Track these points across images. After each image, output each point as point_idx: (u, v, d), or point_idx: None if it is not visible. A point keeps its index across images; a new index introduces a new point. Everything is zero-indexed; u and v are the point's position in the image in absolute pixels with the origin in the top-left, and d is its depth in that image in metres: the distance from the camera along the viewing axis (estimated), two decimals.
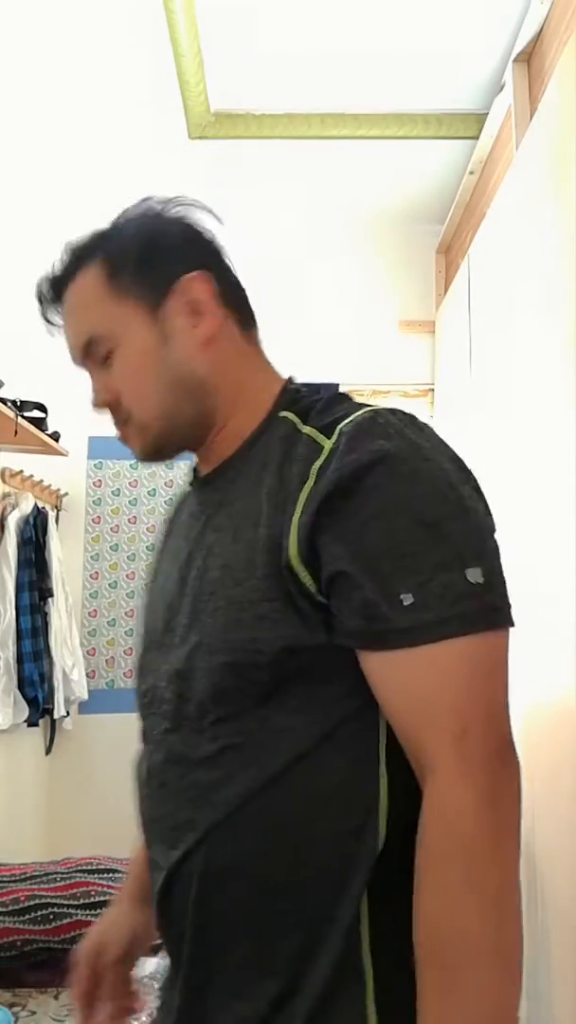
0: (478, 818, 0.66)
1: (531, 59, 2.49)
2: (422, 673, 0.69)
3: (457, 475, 0.76)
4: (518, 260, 2.39)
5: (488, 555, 0.73)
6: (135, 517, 3.71)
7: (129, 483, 3.72)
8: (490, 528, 0.77)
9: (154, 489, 3.72)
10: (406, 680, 0.70)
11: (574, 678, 1.91)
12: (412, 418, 0.80)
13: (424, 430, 0.79)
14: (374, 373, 3.78)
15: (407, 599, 0.69)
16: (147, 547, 3.69)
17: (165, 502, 3.71)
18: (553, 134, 2.07)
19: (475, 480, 0.80)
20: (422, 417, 0.83)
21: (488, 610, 0.71)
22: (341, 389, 3.71)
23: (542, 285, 2.16)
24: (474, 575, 0.71)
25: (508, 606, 0.73)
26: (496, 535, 0.78)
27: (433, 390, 3.75)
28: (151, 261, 0.87)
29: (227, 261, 0.96)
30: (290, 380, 0.98)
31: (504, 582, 0.74)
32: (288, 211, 3.66)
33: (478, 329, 2.93)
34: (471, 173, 3.13)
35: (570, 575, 1.96)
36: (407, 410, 0.81)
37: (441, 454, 0.77)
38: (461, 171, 3.24)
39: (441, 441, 0.80)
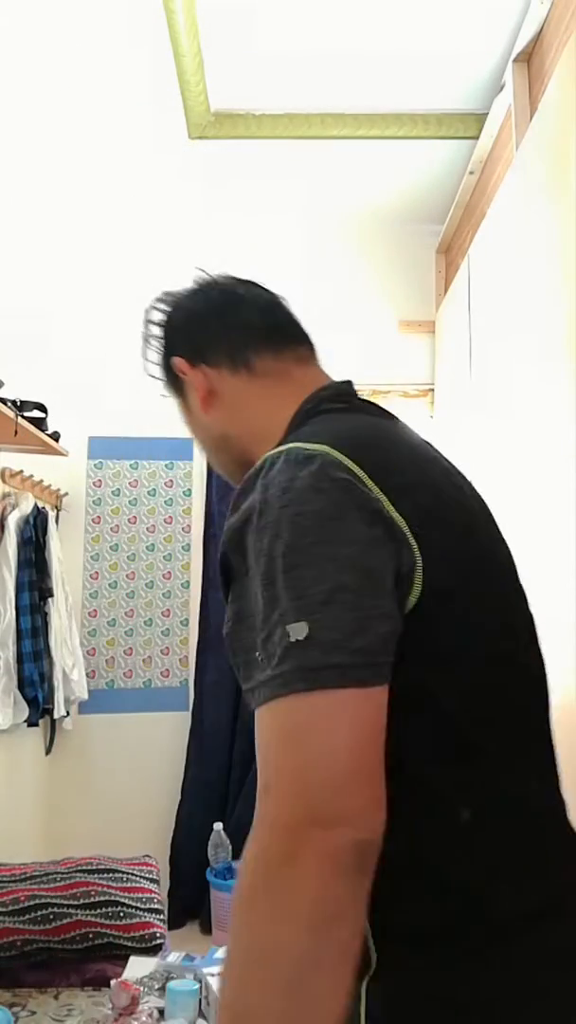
0: (249, 871, 0.63)
1: (531, 59, 2.49)
2: (257, 732, 0.68)
3: (309, 504, 0.70)
4: (518, 260, 2.39)
5: (315, 606, 0.66)
6: (135, 517, 3.71)
7: (129, 483, 3.72)
8: (339, 566, 0.68)
9: (154, 489, 3.72)
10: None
11: (574, 677, 1.91)
12: (308, 455, 0.74)
13: (307, 462, 0.73)
14: (374, 373, 3.78)
15: (259, 658, 0.68)
16: (147, 547, 3.69)
17: (165, 502, 3.72)
18: (553, 134, 2.07)
19: (334, 491, 0.71)
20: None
21: (299, 672, 0.64)
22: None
23: (542, 285, 2.16)
24: (294, 631, 0.65)
25: (333, 666, 0.64)
26: (354, 562, 0.69)
27: (433, 390, 3.75)
28: (164, 358, 1.05)
29: (214, 320, 1.03)
30: (316, 391, 0.95)
31: (333, 635, 0.65)
32: (288, 211, 3.66)
33: (478, 329, 2.93)
34: (471, 173, 3.13)
35: (569, 574, 1.96)
36: (317, 446, 0.75)
37: (298, 480, 0.72)
38: (461, 171, 3.24)
39: (300, 464, 0.73)
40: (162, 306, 1.07)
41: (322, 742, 0.64)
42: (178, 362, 1.01)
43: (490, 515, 0.92)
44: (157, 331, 1.06)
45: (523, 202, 2.34)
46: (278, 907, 0.61)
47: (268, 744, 0.66)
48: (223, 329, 1.01)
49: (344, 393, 0.97)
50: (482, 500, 0.93)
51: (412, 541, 0.71)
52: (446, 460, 0.92)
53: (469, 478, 0.94)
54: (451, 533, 0.78)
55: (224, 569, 0.78)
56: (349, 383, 1.00)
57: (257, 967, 0.62)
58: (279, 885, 0.61)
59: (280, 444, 0.80)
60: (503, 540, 0.91)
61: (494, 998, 0.68)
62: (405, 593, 0.71)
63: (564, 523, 1.98)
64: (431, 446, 0.92)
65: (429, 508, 0.76)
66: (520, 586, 0.89)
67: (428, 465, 0.86)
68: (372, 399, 1.01)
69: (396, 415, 0.97)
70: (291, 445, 0.76)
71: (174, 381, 1.04)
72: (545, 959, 0.70)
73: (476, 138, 2.93)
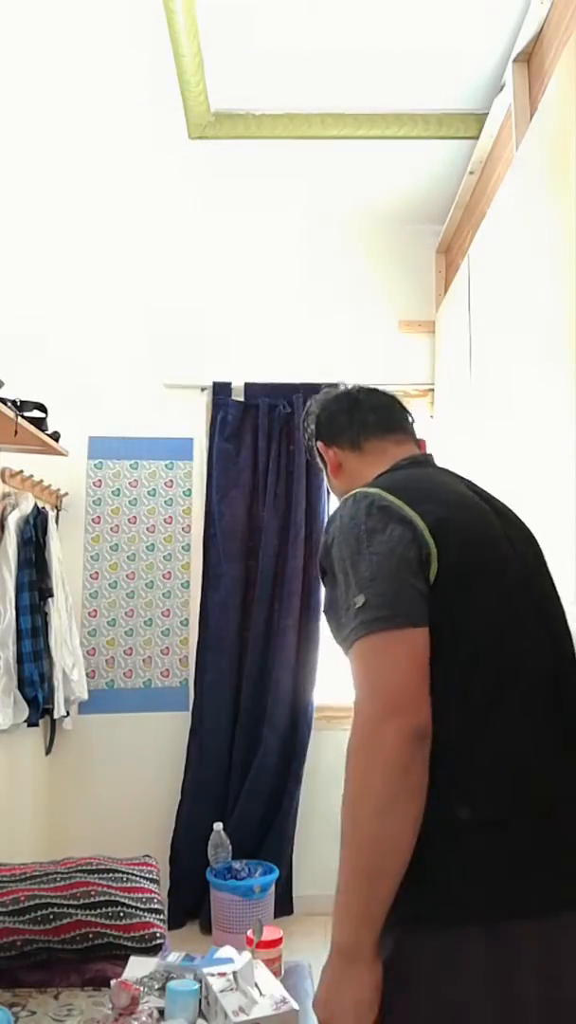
0: (352, 751, 1.01)
1: (531, 59, 2.49)
2: (351, 665, 1.08)
3: (360, 526, 1.12)
4: (518, 260, 2.39)
5: (367, 583, 1.07)
6: (135, 517, 3.71)
7: (129, 483, 3.72)
8: (383, 557, 1.08)
9: (154, 489, 3.72)
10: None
11: None
12: (363, 495, 1.17)
13: (362, 499, 1.16)
14: (374, 373, 3.77)
15: (343, 621, 1.10)
16: (147, 547, 3.69)
17: (165, 502, 3.72)
18: (553, 134, 2.07)
19: (379, 513, 1.12)
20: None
21: (363, 623, 1.05)
22: (341, 389, 3.66)
23: (542, 285, 2.16)
24: (358, 600, 1.07)
25: (382, 617, 1.04)
26: (392, 553, 1.08)
27: (433, 390, 3.75)
28: (313, 441, 1.52)
29: (355, 409, 1.46)
30: (398, 460, 1.37)
31: (381, 598, 1.05)
32: (288, 211, 3.66)
33: (478, 329, 2.93)
34: (471, 173, 3.13)
35: (570, 573, 1.96)
36: (368, 489, 1.18)
37: (358, 510, 1.15)
38: (461, 171, 3.24)
39: (358, 501, 1.16)
40: (315, 406, 1.53)
41: (380, 664, 1.04)
42: (320, 445, 1.49)
43: (514, 526, 1.27)
44: (311, 422, 1.52)
45: (523, 202, 2.34)
46: (370, 764, 0.99)
47: (355, 670, 1.06)
48: (348, 425, 1.45)
49: (415, 459, 1.38)
50: (507, 515, 1.28)
51: (429, 538, 1.09)
52: (474, 493, 1.27)
53: (501, 505, 1.30)
54: (462, 535, 1.12)
55: (321, 569, 1.20)
56: (424, 455, 1.42)
57: (359, 802, 0.99)
58: (368, 754, 0.99)
59: None
60: (526, 541, 1.27)
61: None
62: (427, 572, 1.08)
63: (564, 522, 1.98)
64: (462, 483, 1.30)
65: (446, 519, 1.12)
66: (537, 576, 1.23)
67: (449, 495, 1.21)
68: None
69: (446, 468, 1.38)
70: (357, 490, 1.20)
71: (319, 455, 1.51)
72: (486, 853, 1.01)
73: (476, 138, 2.93)
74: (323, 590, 1.20)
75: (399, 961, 0.98)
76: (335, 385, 1.59)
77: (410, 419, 1.49)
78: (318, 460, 1.53)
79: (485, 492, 1.30)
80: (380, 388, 1.53)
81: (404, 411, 1.49)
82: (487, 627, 1.09)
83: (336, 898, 1.00)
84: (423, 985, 0.98)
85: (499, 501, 1.31)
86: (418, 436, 1.48)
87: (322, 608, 1.20)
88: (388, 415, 1.46)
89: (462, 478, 1.32)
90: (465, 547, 1.11)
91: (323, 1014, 1.00)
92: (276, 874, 3.14)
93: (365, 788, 0.99)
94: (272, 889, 3.12)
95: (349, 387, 1.54)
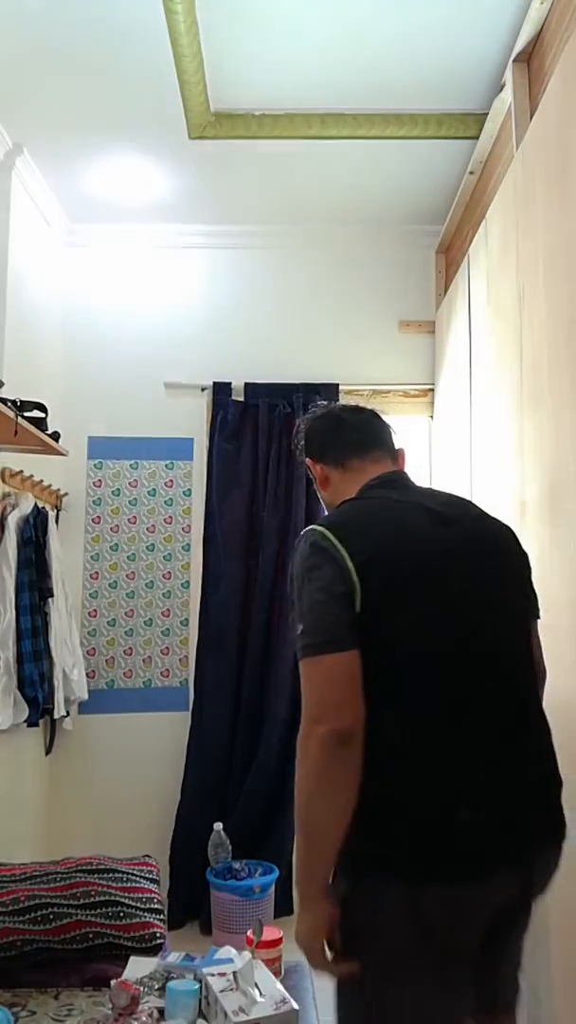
0: (299, 752, 1.29)
1: (531, 59, 2.49)
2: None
3: (304, 564, 1.37)
4: (518, 260, 2.39)
5: (305, 613, 1.33)
6: (135, 517, 3.71)
7: (129, 483, 3.72)
8: (315, 592, 1.33)
9: (154, 489, 3.72)
10: None
11: (574, 678, 1.91)
12: (318, 532, 1.39)
13: (317, 535, 1.38)
14: (374, 373, 3.78)
15: (296, 641, 1.35)
16: (147, 547, 3.69)
17: (165, 502, 3.72)
18: (553, 134, 2.07)
19: (317, 553, 1.36)
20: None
21: (300, 648, 1.32)
22: (341, 389, 3.70)
23: (542, 285, 2.16)
24: (299, 628, 1.34)
25: (312, 644, 1.30)
26: (323, 589, 1.32)
27: (433, 390, 3.75)
28: (304, 456, 1.71)
29: (337, 429, 1.64)
30: (370, 480, 1.56)
31: (312, 627, 1.31)
32: (288, 211, 3.66)
33: (478, 329, 2.93)
34: (471, 173, 3.13)
35: (570, 571, 1.96)
36: (316, 527, 1.41)
37: (305, 549, 1.38)
38: (461, 171, 3.24)
39: (306, 538, 1.40)
40: (304, 425, 1.71)
41: (307, 683, 1.31)
42: (309, 461, 1.67)
43: (468, 540, 1.45)
44: (301, 439, 1.70)
45: (523, 202, 2.34)
46: (300, 765, 1.28)
47: (302, 684, 1.32)
48: (332, 442, 1.63)
49: (384, 479, 1.56)
50: (460, 529, 1.45)
51: (355, 577, 1.31)
52: (427, 511, 1.45)
53: (460, 516, 1.49)
54: (387, 570, 1.34)
55: (292, 593, 1.42)
56: (393, 473, 1.60)
57: (301, 786, 1.28)
58: (300, 757, 1.28)
59: None
60: (479, 553, 1.45)
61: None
62: (352, 603, 1.31)
63: (564, 522, 1.98)
64: (416, 503, 1.48)
65: (374, 556, 1.34)
66: (485, 585, 1.41)
67: (391, 526, 1.42)
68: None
69: (407, 485, 1.59)
70: (309, 527, 1.42)
71: (309, 470, 1.69)
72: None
73: (476, 138, 2.93)
74: None
75: (351, 896, 1.32)
76: (324, 403, 1.84)
77: (390, 432, 1.67)
78: (308, 473, 1.70)
79: (442, 508, 1.47)
80: (362, 405, 1.75)
81: (384, 426, 1.67)
82: (410, 642, 1.32)
83: (296, 864, 1.36)
84: (363, 910, 1.30)
85: (461, 512, 1.50)
86: (397, 447, 1.67)
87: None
88: (369, 433, 1.64)
89: (422, 492, 1.56)
90: (388, 581, 1.33)
91: (300, 942, 1.33)
92: (276, 874, 3.14)
93: (298, 784, 1.28)
94: (272, 889, 3.12)
95: (334, 406, 1.76)
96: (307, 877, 1.31)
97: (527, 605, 1.51)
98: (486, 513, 1.54)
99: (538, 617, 1.56)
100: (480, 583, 1.40)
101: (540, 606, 1.59)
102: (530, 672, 1.46)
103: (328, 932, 1.31)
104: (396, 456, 1.65)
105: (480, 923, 1.29)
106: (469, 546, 1.42)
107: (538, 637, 1.55)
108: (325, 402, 1.87)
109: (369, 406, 1.73)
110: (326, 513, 1.61)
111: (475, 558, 1.41)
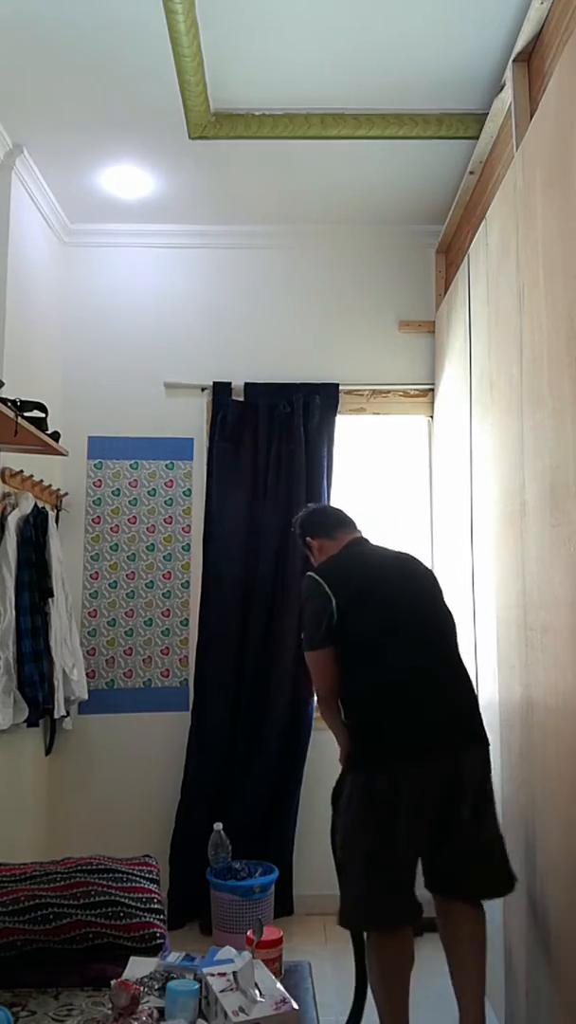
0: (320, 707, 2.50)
1: (531, 59, 2.49)
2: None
3: (307, 592, 2.42)
4: (518, 260, 2.39)
5: (306, 625, 2.43)
6: (135, 517, 3.71)
7: (129, 483, 3.72)
8: (313, 610, 2.38)
9: (154, 489, 3.72)
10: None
11: (574, 678, 1.91)
12: (313, 577, 2.42)
13: (312, 579, 2.41)
14: (374, 373, 3.78)
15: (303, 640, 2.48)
16: (147, 547, 3.70)
17: (165, 502, 3.72)
18: (553, 134, 2.07)
19: (314, 589, 2.38)
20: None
21: (304, 645, 2.44)
22: (341, 389, 3.71)
23: (542, 285, 2.16)
24: (303, 633, 2.46)
25: (312, 641, 2.38)
26: (316, 609, 2.36)
27: (433, 390, 3.75)
28: (303, 536, 2.72)
29: (324, 517, 2.71)
30: (344, 546, 2.58)
31: (311, 632, 2.38)
32: (288, 211, 3.66)
33: (478, 329, 2.93)
34: (471, 173, 3.13)
35: (571, 571, 1.96)
36: (318, 572, 2.46)
37: (307, 587, 2.43)
38: (461, 171, 3.24)
39: (308, 580, 2.43)
40: (304, 516, 2.74)
41: (312, 669, 2.43)
42: (308, 538, 2.67)
43: (406, 579, 2.46)
44: (299, 526, 2.72)
45: (523, 202, 2.34)
46: (318, 708, 2.72)
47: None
48: (322, 525, 2.66)
49: (354, 542, 2.58)
50: (407, 572, 2.49)
51: (333, 605, 2.33)
52: (379, 558, 2.53)
53: (397, 559, 2.54)
54: (351, 595, 2.34)
55: (300, 612, 2.68)
56: (358, 539, 2.60)
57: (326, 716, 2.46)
58: (320, 708, 2.50)
59: None
60: (403, 589, 2.43)
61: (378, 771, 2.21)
62: (332, 618, 2.32)
63: (564, 521, 1.98)
64: (372, 555, 2.55)
65: (346, 591, 2.35)
66: (417, 607, 2.40)
67: (359, 569, 2.46)
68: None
69: (368, 543, 2.61)
70: (310, 573, 2.45)
71: (308, 547, 2.68)
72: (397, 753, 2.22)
73: (476, 138, 2.94)
74: None
75: (349, 781, 2.26)
76: (312, 504, 2.97)
77: (351, 517, 2.68)
78: (304, 547, 2.72)
79: (383, 557, 2.52)
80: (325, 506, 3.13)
81: (347, 515, 2.69)
82: (362, 635, 2.30)
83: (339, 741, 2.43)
84: (359, 789, 2.21)
85: (398, 556, 2.53)
86: (357, 525, 2.66)
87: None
88: (342, 518, 2.66)
89: (374, 548, 2.57)
90: (349, 601, 2.32)
91: (343, 756, 2.39)
92: (276, 874, 3.14)
93: (323, 712, 2.46)
94: (272, 889, 3.12)
95: (319, 505, 3.00)
96: (337, 737, 2.42)
97: (437, 595, 2.47)
98: (408, 555, 2.54)
99: (442, 597, 2.49)
100: (404, 596, 2.39)
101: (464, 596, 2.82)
102: (446, 637, 2.38)
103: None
104: (357, 528, 2.65)
105: (424, 794, 2.16)
106: (396, 575, 2.45)
107: (450, 611, 2.47)
108: (312, 504, 2.95)
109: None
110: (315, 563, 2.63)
111: (400, 582, 2.43)
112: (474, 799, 2.20)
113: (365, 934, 2.26)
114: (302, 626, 2.45)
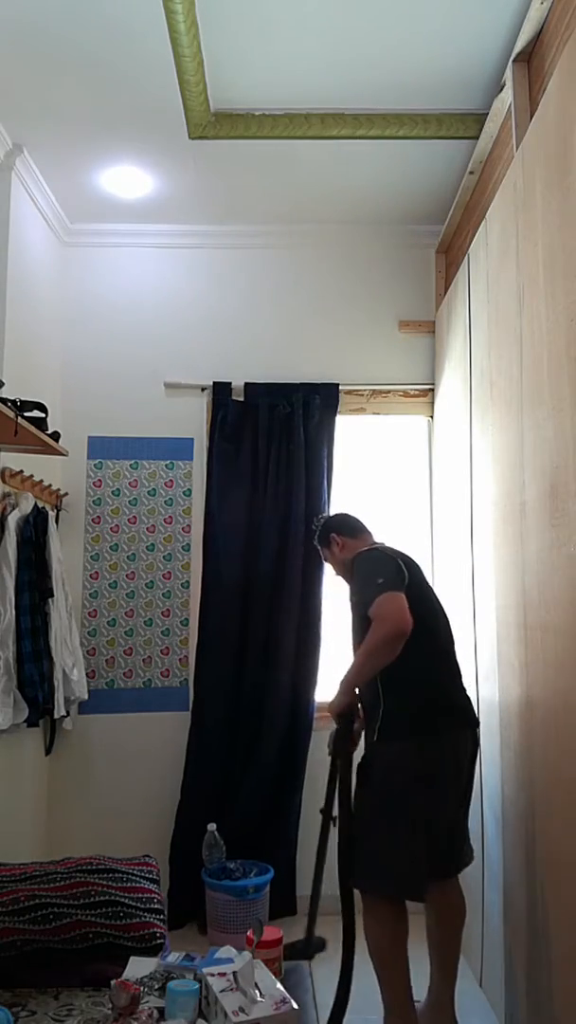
0: (373, 631, 2.33)
1: (531, 59, 2.50)
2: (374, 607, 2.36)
3: (378, 560, 2.52)
4: (518, 260, 2.39)
5: (386, 573, 2.41)
6: (135, 517, 3.71)
7: (129, 483, 3.72)
8: (390, 567, 2.45)
9: (154, 489, 3.72)
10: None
11: (574, 678, 1.91)
12: (380, 550, 2.61)
13: (381, 552, 2.59)
14: (374, 373, 3.78)
15: (378, 584, 2.40)
16: (147, 547, 3.70)
17: (165, 502, 3.72)
18: (553, 134, 2.07)
19: (390, 560, 2.50)
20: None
21: (383, 586, 2.36)
22: (341, 389, 3.72)
23: (542, 285, 2.16)
24: (379, 580, 2.39)
25: (396, 584, 2.38)
26: (396, 568, 2.45)
27: (433, 390, 3.75)
28: (328, 535, 2.81)
29: (350, 520, 2.85)
30: (367, 546, 2.69)
31: (391, 578, 2.39)
32: (288, 210, 3.66)
33: (478, 329, 2.93)
34: (471, 173, 3.13)
35: (571, 571, 1.96)
36: (387, 544, 2.72)
37: (375, 558, 2.54)
38: (461, 171, 3.24)
39: (380, 551, 2.60)
40: (327, 519, 2.91)
41: (389, 609, 2.32)
42: (334, 535, 2.77)
43: (423, 574, 2.63)
44: (327, 523, 2.85)
45: (523, 202, 2.34)
46: (378, 631, 2.32)
47: (377, 609, 2.32)
48: (349, 527, 2.80)
49: (376, 544, 2.71)
50: (424, 574, 2.65)
51: (405, 572, 2.46)
52: (412, 559, 2.62)
53: (420, 567, 2.65)
54: (414, 574, 2.51)
55: (353, 575, 2.59)
56: (378, 542, 2.74)
57: (369, 650, 2.34)
58: (380, 633, 2.31)
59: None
60: (430, 584, 2.69)
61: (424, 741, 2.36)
62: (405, 579, 2.44)
63: (564, 522, 1.98)
64: (403, 551, 2.66)
65: (410, 566, 2.53)
66: (441, 606, 2.64)
67: (410, 558, 2.59)
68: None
69: (390, 548, 2.71)
70: (372, 547, 2.66)
71: (329, 544, 2.78)
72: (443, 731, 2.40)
73: (476, 138, 2.94)
74: (326, 589, 3.29)
75: (396, 749, 2.37)
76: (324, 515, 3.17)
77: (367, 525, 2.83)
78: (325, 550, 2.82)
79: (407, 557, 2.62)
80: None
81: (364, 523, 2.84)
82: (420, 610, 2.39)
83: (346, 676, 2.44)
84: (410, 754, 2.34)
85: (413, 559, 2.64)
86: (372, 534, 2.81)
87: (353, 590, 2.58)
88: (364, 525, 2.81)
89: (397, 550, 2.67)
90: (413, 579, 2.46)
91: (333, 709, 2.47)
92: (271, 874, 3.13)
93: (371, 648, 2.32)
94: (267, 889, 3.12)
95: (346, 513, 2.92)
96: (353, 684, 2.43)
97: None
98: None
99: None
100: (433, 590, 2.66)
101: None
102: (452, 634, 2.61)
103: (350, 708, 2.48)
104: (372, 537, 2.80)
105: (458, 763, 2.38)
106: (423, 574, 2.62)
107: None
108: (324, 515, 3.04)
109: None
110: (334, 570, 2.85)
111: (427, 580, 2.64)
112: (472, 775, 2.47)
113: (370, 905, 2.30)
114: (367, 583, 2.39)
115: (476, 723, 2.50)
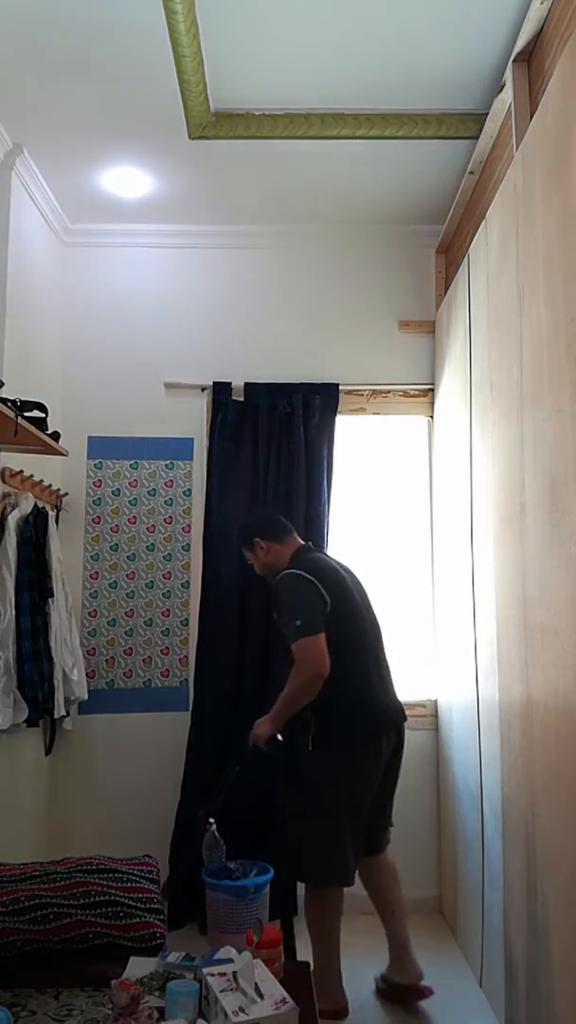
0: (294, 677, 2.65)
1: (531, 59, 2.49)
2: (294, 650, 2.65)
3: (296, 586, 2.72)
4: (518, 260, 2.39)
5: (303, 613, 2.65)
6: (135, 517, 3.71)
7: (129, 483, 3.73)
8: (308, 600, 2.68)
9: (154, 489, 3.72)
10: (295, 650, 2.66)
11: (574, 678, 1.91)
12: (300, 574, 2.75)
13: (300, 575, 2.74)
14: (374, 373, 3.78)
15: (294, 624, 2.66)
16: (147, 547, 3.69)
17: (165, 502, 3.72)
18: (552, 134, 2.07)
19: (310, 584, 2.70)
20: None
21: (298, 630, 2.62)
22: (341, 389, 3.71)
23: (542, 285, 2.16)
24: (297, 621, 2.65)
25: (314, 626, 2.63)
26: (316, 598, 2.68)
27: (433, 390, 3.75)
28: (251, 539, 3.00)
29: (273, 522, 3.02)
30: (297, 549, 2.93)
31: (309, 618, 2.64)
32: (288, 211, 3.66)
33: (478, 329, 2.93)
34: (471, 173, 3.13)
35: (571, 571, 1.96)
36: (311, 565, 2.82)
37: (293, 583, 2.73)
38: (461, 171, 3.24)
39: (299, 575, 2.75)
40: (248, 524, 3.03)
41: (310, 653, 2.61)
42: (257, 540, 2.94)
43: (356, 584, 2.91)
44: (248, 528, 3.00)
45: (523, 202, 2.34)
46: (298, 678, 2.64)
47: (297, 652, 2.62)
48: (273, 530, 2.95)
49: (303, 547, 2.94)
50: (354, 578, 2.93)
51: (326, 598, 2.69)
52: (340, 567, 2.90)
53: (352, 572, 2.94)
54: (335, 595, 2.71)
55: (277, 592, 2.77)
56: (303, 547, 2.95)
57: (293, 691, 2.65)
58: (300, 679, 2.63)
59: (287, 569, 2.81)
60: (358, 593, 2.89)
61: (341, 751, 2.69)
62: (326, 607, 2.68)
63: (564, 522, 1.98)
64: (336, 562, 2.94)
65: (331, 587, 2.73)
66: (367, 608, 2.90)
67: (333, 573, 2.80)
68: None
69: (317, 550, 3.03)
70: (288, 571, 2.79)
71: (253, 547, 2.96)
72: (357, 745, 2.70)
73: (476, 138, 2.94)
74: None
75: (328, 756, 2.64)
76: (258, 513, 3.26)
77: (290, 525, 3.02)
78: (249, 553, 2.98)
79: (339, 564, 2.90)
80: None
81: (287, 524, 3.02)
82: (344, 628, 2.69)
83: (273, 713, 2.70)
84: (343, 759, 2.64)
85: (345, 567, 2.91)
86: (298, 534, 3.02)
87: (275, 618, 2.77)
88: (288, 525, 2.99)
89: (325, 555, 2.99)
90: (335, 599, 2.69)
91: (259, 739, 2.71)
92: (271, 875, 3.13)
93: (295, 688, 2.62)
94: (267, 889, 3.11)
95: (266, 512, 3.17)
96: (279, 721, 2.69)
97: (371, 604, 2.91)
98: (348, 566, 2.95)
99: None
100: (362, 599, 2.86)
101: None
102: (381, 639, 2.86)
103: (274, 736, 2.72)
104: (299, 537, 3.00)
105: (379, 763, 2.69)
106: (351, 582, 2.84)
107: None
108: (257, 512, 3.28)
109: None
110: (257, 570, 3.01)
111: (355, 588, 2.84)
112: (397, 764, 2.82)
113: (312, 891, 2.75)
114: (287, 619, 2.64)
115: (402, 719, 2.81)
